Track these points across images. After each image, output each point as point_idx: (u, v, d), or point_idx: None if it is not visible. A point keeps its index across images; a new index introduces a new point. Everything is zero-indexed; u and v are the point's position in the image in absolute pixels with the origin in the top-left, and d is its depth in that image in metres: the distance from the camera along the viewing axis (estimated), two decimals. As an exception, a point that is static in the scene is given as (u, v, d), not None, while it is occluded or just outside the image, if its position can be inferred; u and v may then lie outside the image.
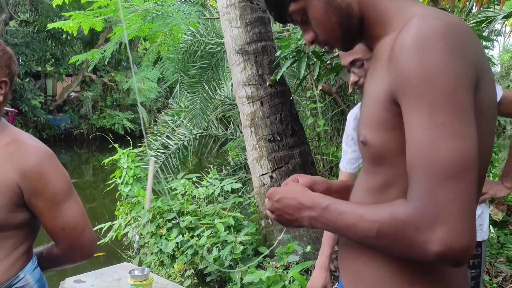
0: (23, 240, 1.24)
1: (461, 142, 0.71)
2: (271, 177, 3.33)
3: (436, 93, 0.72)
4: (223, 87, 5.84)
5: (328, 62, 3.00)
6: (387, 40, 0.86)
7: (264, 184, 3.37)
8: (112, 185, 4.20)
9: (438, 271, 0.82)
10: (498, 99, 1.46)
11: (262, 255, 2.94)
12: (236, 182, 3.85)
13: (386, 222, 0.75)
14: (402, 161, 0.80)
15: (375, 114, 0.83)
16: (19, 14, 15.85)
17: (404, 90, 0.75)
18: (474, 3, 4.03)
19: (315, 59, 2.90)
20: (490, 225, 3.75)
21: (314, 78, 3.58)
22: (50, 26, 4.36)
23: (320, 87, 3.55)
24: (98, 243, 3.71)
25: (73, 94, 17.86)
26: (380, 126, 0.83)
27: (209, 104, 5.37)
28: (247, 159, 3.62)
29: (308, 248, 2.91)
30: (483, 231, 1.79)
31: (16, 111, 1.53)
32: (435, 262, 0.72)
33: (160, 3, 4.74)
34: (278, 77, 3.09)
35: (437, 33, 0.74)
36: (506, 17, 3.80)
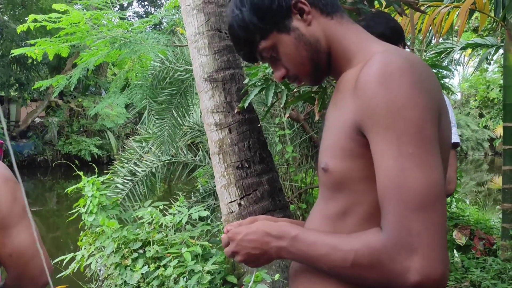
0: None
1: (430, 173, 0.73)
2: (240, 204, 3.30)
3: (404, 125, 0.74)
4: (192, 113, 5.83)
5: (295, 90, 3.06)
6: (350, 73, 0.89)
7: (232, 212, 3.34)
8: (76, 214, 4.06)
9: None
10: None
11: (230, 285, 2.88)
12: (205, 210, 3.79)
13: (361, 251, 0.75)
14: (362, 188, 0.82)
15: (339, 142, 0.85)
16: (-18, 38, 15.50)
17: (371, 121, 0.77)
18: (433, 36, 4.22)
19: (282, 87, 2.94)
20: (455, 250, 3.83)
21: (281, 105, 3.63)
22: (14, 52, 4.26)
23: (287, 114, 3.60)
24: (60, 275, 3.56)
25: (37, 120, 17.41)
26: (343, 154, 0.84)
27: (178, 131, 5.34)
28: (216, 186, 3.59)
29: (277, 277, 2.87)
30: None
31: (2, 142, 1.46)
32: None
33: (129, 30, 4.73)
34: (246, 105, 3.11)
35: (401, 68, 0.77)
36: (464, 48, 4.00)
